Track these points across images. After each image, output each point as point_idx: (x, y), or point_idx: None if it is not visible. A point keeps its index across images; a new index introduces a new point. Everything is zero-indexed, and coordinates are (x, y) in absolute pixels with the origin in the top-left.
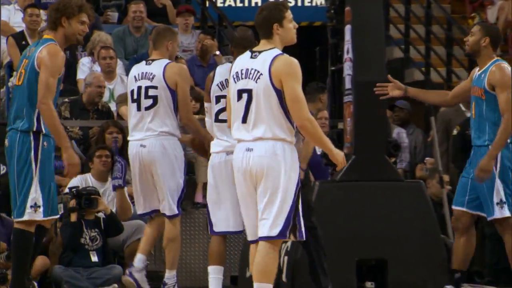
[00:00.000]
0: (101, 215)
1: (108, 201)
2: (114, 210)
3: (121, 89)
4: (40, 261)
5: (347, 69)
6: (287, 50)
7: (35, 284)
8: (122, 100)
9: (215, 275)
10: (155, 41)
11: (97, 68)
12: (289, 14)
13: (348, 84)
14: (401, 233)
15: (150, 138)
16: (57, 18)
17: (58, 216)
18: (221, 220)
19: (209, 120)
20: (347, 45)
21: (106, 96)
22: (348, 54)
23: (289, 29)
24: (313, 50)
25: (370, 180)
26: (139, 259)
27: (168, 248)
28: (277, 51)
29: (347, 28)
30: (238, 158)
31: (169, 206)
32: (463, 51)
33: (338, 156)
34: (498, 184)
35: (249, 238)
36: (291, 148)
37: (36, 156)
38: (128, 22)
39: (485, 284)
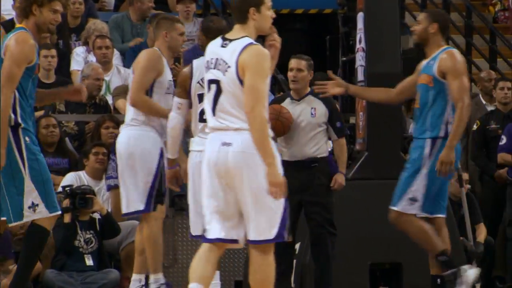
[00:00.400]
0: (96, 215)
1: (103, 201)
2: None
3: (118, 81)
4: None
5: (360, 59)
6: (295, 39)
7: None
8: (119, 92)
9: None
10: (154, 31)
11: (92, 58)
12: (268, 1)
13: (360, 76)
14: None
15: (123, 129)
16: (27, 6)
17: (59, 213)
18: (199, 223)
19: (177, 116)
20: (360, 34)
21: (102, 89)
22: (360, 43)
23: (266, 16)
24: (323, 39)
25: (383, 179)
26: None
27: (146, 249)
28: (248, 40)
29: (360, 16)
30: (213, 153)
31: (126, 202)
32: (483, 40)
33: (276, 177)
34: (422, 179)
35: (214, 235)
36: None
37: (21, 154)
38: (125, 9)
39: None
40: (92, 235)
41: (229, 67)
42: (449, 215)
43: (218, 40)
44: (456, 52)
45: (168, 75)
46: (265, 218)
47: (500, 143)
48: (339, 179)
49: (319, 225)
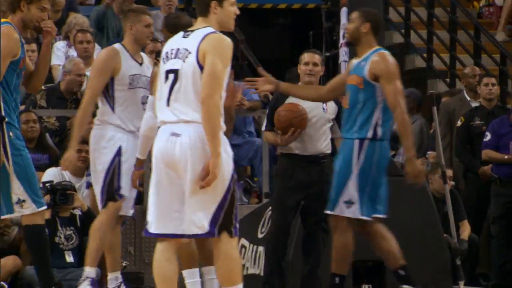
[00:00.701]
0: (77, 212)
1: (83, 198)
2: None
3: None
4: (11, 262)
5: (343, 55)
6: (278, 34)
7: (5, 285)
8: None
9: (191, 279)
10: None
11: (73, 53)
12: None
13: (343, 71)
14: (401, 232)
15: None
16: (16, 1)
17: (46, 207)
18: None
19: (150, 114)
20: (343, 29)
21: (83, 84)
22: (344, 39)
23: (229, 12)
24: (307, 34)
25: None
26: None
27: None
28: (210, 29)
29: (343, 11)
30: (161, 142)
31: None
32: (468, 36)
33: (217, 168)
34: (353, 181)
35: (157, 230)
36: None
37: (5, 149)
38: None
39: (491, 286)
40: (72, 231)
41: (189, 53)
42: (433, 212)
43: (180, 33)
44: (387, 54)
45: (128, 70)
46: (201, 213)
47: (485, 140)
48: None
49: (316, 221)
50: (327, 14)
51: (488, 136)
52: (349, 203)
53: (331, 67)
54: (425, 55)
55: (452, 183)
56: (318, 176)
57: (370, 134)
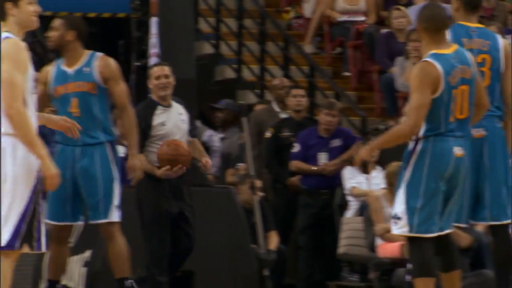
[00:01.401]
0: None
1: None
2: None
3: None
4: None
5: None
6: (88, 43)
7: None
8: None
9: None
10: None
11: None
12: None
13: None
14: (210, 243)
15: None
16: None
17: None
18: None
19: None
20: (153, 38)
21: None
22: (154, 48)
23: (26, 11)
24: (116, 43)
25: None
26: None
27: None
28: (6, 34)
29: (153, 21)
30: None
31: None
32: (277, 47)
33: (49, 170)
34: (117, 186)
35: None
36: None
37: None
38: None
39: None
40: None
41: None
42: (241, 222)
43: None
44: (107, 56)
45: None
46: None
47: (293, 151)
48: None
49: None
50: (137, 24)
51: (296, 147)
52: (119, 207)
53: (142, 77)
54: (235, 66)
55: (261, 194)
56: None
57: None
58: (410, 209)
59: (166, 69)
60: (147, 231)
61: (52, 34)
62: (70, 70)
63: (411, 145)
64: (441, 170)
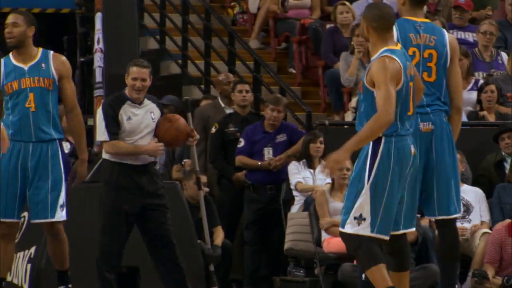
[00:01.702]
0: None
1: None
2: None
3: None
4: None
5: (98, 60)
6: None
7: None
8: None
9: None
10: None
11: None
12: None
13: (99, 77)
14: None
15: None
16: None
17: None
18: None
19: None
20: (98, 34)
21: None
22: (98, 44)
23: None
24: (61, 39)
25: None
26: None
27: None
28: None
29: (98, 16)
30: None
31: None
32: (222, 43)
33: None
34: (63, 185)
35: None
36: None
37: None
38: None
39: None
40: None
41: None
42: (187, 218)
43: None
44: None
45: None
46: None
47: (238, 146)
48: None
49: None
50: (82, 19)
51: (242, 143)
52: (63, 207)
53: (86, 73)
54: (180, 61)
55: (207, 189)
56: None
57: None
58: (375, 210)
59: (145, 72)
60: (101, 225)
61: (14, 30)
62: (25, 66)
63: (371, 144)
64: (403, 170)
